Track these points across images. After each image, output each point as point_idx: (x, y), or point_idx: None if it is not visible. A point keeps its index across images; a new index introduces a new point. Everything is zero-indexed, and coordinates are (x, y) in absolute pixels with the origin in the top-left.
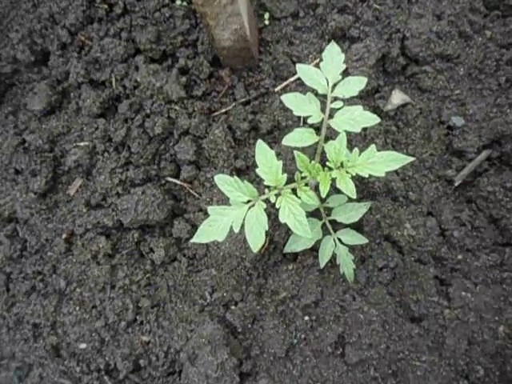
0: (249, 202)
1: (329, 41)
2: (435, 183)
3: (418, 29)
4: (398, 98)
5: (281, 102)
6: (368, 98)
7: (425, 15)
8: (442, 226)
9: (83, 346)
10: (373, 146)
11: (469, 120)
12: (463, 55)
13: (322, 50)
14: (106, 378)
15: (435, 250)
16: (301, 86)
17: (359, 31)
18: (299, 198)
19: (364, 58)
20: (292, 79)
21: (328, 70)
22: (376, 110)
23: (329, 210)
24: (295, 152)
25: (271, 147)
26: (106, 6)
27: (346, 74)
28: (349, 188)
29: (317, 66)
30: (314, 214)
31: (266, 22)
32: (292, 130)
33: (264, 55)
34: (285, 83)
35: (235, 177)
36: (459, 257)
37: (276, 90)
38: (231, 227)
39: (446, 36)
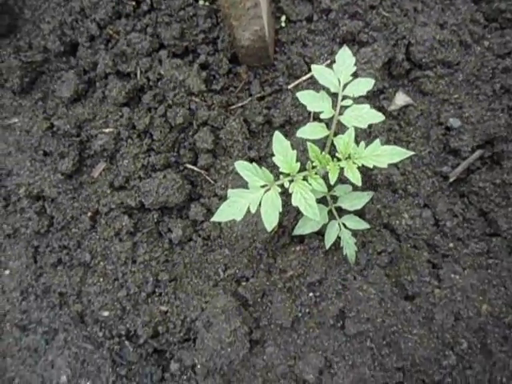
0: (265, 186)
1: (340, 44)
2: (432, 178)
3: (423, 36)
4: (401, 99)
5: (293, 98)
6: (374, 99)
7: (429, 24)
8: (436, 216)
9: (106, 313)
10: (377, 141)
11: (465, 122)
12: (463, 62)
13: (333, 52)
14: (126, 342)
15: (429, 238)
16: (312, 85)
17: (368, 36)
18: (310, 184)
19: (371, 61)
20: (304, 78)
21: (340, 71)
22: (381, 110)
23: (335, 198)
24: (308, 143)
25: None
26: (133, 3)
27: (354, 75)
28: (355, 176)
29: (328, 66)
30: (321, 201)
31: (283, 24)
32: (302, 125)
33: (279, 55)
34: (297, 81)
35: (254, 163)
36: (450, 244)
37: (289, 87)
38: (248, 208)
39: (448, 44)
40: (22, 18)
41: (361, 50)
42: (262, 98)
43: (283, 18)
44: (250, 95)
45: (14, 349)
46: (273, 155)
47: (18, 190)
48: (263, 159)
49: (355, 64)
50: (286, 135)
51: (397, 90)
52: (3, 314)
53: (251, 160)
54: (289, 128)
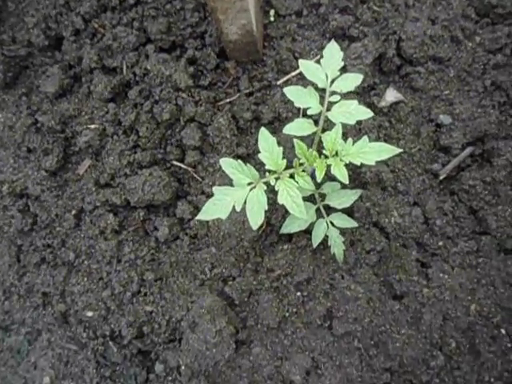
0: (250, 184)
1: (329, 39)
2: (422, 176)
3: (414, 32)
4: (391, 95)
5: (282, 94)
6: (364, 95)
7: (420, 19)
8: (426, 215)
9: (90, 313)
10: (365, 138)
11: (455, 119)
12: (454, 58)
13: (322, 47)
14: (110, 343)
15: (419, 236)
16: (301, 81)
17: (358, 31)
18: (297, 182)
19: (362, 56)
20: (293, 74)
21: (328, 66)
22: (371, 106)
23: (323, 196)
24: (294, 140)
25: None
26: None
27: (344, 71)
28: (342, 174)
29: (318, 62)
30: (309, 199)
31: (272, 19)
32: (291, 121)
33: (268, 50)
34: (287, 77)
35: (239, 160)
36: (440, 243)
37: (278, 83)
38: (233, 206)
39: (439, 40)
40: (5, 11)
41: (351, 45)
42: (250, 94)
43: (272, 12)
44: (239, 91)
45: None
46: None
47: (1, 187)
48: (251, 156)
49: (344, 59)
50: (274, 132)
51: (387, 87)
52: None
53: (239, 157)
54: (278, 124)
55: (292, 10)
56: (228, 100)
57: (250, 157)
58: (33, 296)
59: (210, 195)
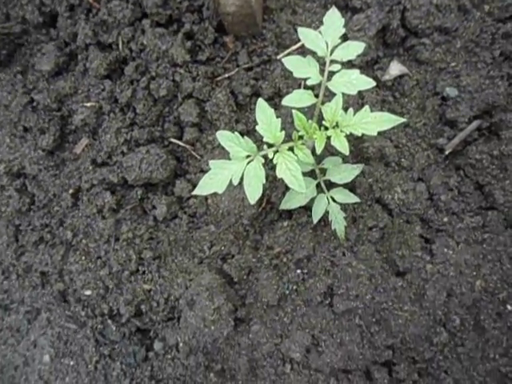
0: (248, 157)
1: None
2: (427, 151)
3: (419, 1)
4: (395, 69)
5: (282, 69)
6: (367, 69)
7: None
8: (430, 190)
9: (88, 292)
10: (367, 107)
11: (462, 91)
12: (461, 28)
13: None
14: (109, 321)
15: (423, 212)
16: (302, 54)
17: (361, 2)
18: (296, 155)
19: (365, 28)
20: (294, 47)
21: (328, 34)
22: (374, 80)
23: (323, 171)
24: (293, 111)
25: None
26: None
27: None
28: (342, 145)
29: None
30: (309, 175)
31: None
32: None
33: (268, 23)
34: (287, 51)
35: (236, 133)
36: (445, 219)
37: (278, 57)
38: (230, 180)
39: (446, 9)
40: None
41: (354, 16)
42: (249, 69)
43: None
44: (237, 66)
45: None
46: None
47: None
48: (251, 133)
49: (347, 32)
50: (275, 108)
51: (391, 60)
52: None
53: (239, 133)
54: (278, 100)
55: None
56: (226, 75)
57: (249, 134)
58: (31, 275)
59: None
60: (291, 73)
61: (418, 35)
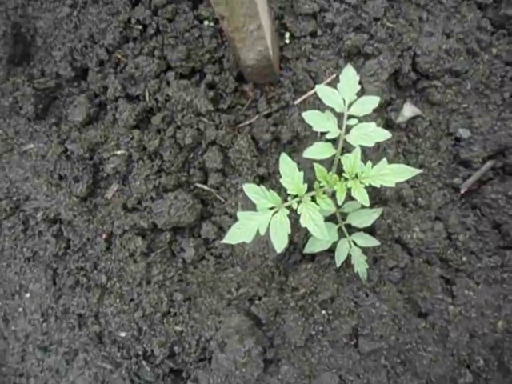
0: (273, 208)
1: (345, 57)
2: (443, 190)
3: (428, 46)
4: (409, 110)
5: (300, 114)
6: (381, 110)
7: (435, 33)
8: (448, 230)
9: (123, 334)
10: (384, 160)
11: (475, 132)
12: (471, 71)
13: (338, 66)
14: (144, 362)
15: (442, 252)
16: (318, 100)
17: (373, 48)
18: (318, 204)
19: (378, 73)
20: (310, 93)
21: (344, 91)
22: (388, 122)
23: (344, 215)
24: (315, 164)
25: (291, 156)
26: (140, 27)
27: (360, 87)
28: (363, 197)
29: (334, 81)
30: (330, 219)
31: (287, 41)
32: (310, 141)
33: (284, 71)
34: (304, 97)
35: (261, 186)
36: (464, 258)
37: (295, 103)
38: (257, 230)
39: (455, 53)
40: (35, 47)
41: (366, 62)
42: (269, 115)
43: (287, 34)
44: (257, 112)
45: (36, 369)
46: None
47: (36, 214)
48: (272, 176)
49: (361, 77)
50: (294, 151)
51: (404, 101)
52: (26, 335)
53: (260, 177)
54: (297, 143)
55: (306, 31)
56: (247, 122)
57: (270, 176)
58: (69, 317)
59: (233, 215)
60: None
61: (429, 78)
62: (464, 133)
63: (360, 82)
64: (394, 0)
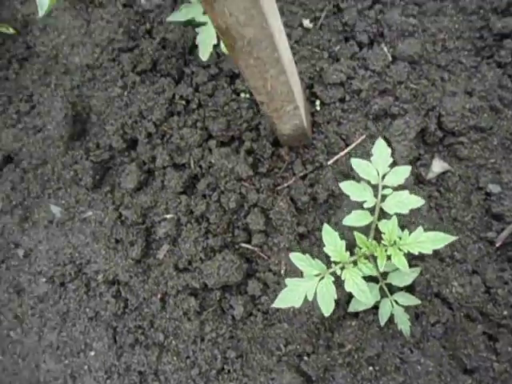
0: (319, 274)
1: (373, 119)
2: (478, 243)
3: (452, 106)
4: (438, 165)
5: (333, 173)
6: (411, 166)
7: (457, 92)
8: (486, 283)
9: None
10: (420, 228)
11: (505, 188)
12: (495, 127)
13: (367, 128)
14: None
15: (482, 306)
16: (349, 160)
17: (399, 108)
18: (360, 270)
19: (405, 132)
20: (342, 154)
21: (378, 163)
22: (419, 177)
23: (385, 275)
24: (355, 233)
25: (329, 215)
26: (183, 102)
27: (389, 146)
28: (402, 264)
29: (363, 141)
30: (371, 279)
31: (318, 108)
32: (345, 197)
33: (317, 134)
34: (336, 157)
35: (307, 254)
36: (504, 312)
37: (328, 163)
38: (305, 296)
39: (478, 110)
40: (90, 123)
41: (393, 122)
42: (304, 176)
43: (317, 102)
44: (294, 174)
45: None
46: (319, 229)
47: (97, 276)
48: (311, 233)
49: (389, 136)
50: (331, 209)
51: (433, 157)
52: None
53: (300, 235)
54: (333, 201)
55: (335, 98)
56: (285, 184)
57: (309, 233)
58: (131, 374)
59: (276, 272)
60: (342, 176)
61: (456, 135)
62: (494, 188)
63: (389, 142)
64: (416, 63)
